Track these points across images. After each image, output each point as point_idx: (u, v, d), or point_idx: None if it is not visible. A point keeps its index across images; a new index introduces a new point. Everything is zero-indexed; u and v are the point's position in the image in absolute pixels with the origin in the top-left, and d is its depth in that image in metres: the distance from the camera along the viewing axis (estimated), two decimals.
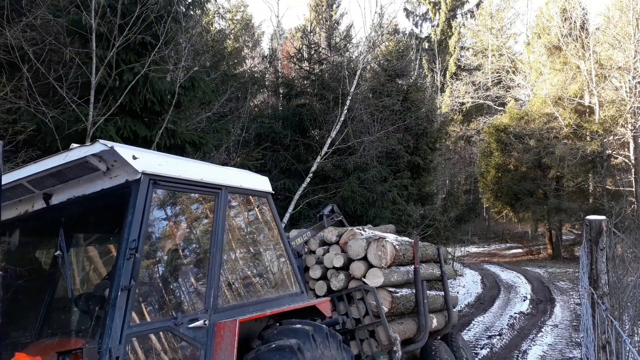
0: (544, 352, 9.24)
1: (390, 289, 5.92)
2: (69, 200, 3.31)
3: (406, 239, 6.73)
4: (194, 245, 3.65)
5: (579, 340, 9.39)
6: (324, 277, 6.21)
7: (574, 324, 11.30)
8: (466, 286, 17.43)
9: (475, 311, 13.43)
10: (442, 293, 6.97)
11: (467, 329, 11.38)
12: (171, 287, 3.38)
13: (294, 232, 6.89)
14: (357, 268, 5.90)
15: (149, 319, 3.08)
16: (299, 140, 12.58)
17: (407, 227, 13.78)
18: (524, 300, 14.55)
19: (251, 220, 4.34)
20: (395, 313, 5.92)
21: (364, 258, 5.95)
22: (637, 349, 5.76)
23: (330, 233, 6.62)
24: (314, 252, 6.54)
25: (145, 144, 7.11)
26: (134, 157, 3.01)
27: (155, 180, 3.14)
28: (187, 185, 3.46)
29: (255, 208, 4.33)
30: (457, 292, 16.21)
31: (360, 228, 6.78)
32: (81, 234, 3.82)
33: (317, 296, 6.09)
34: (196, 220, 3.72)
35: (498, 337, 10.37)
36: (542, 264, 23.62)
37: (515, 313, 12.70)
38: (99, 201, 3.23)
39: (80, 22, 6.55)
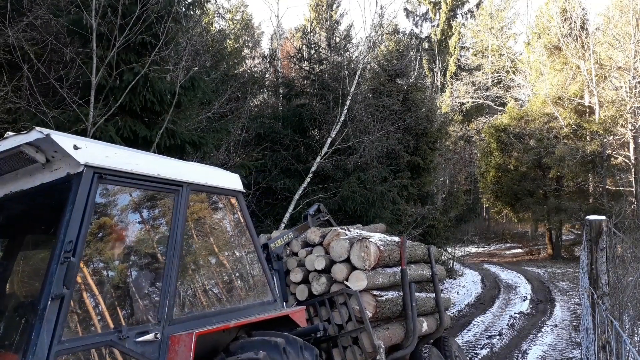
0: (544, 352, 9.25)
1: (375, 293, 5.57)
2: (6, 197, 2.96)
3: (395, 238, 6.42)
4: (146, 249, 3.23)
5: (579, 340, 9.39)
6: (305, 281, 5.89)
7: (574, 324, 11.31)
8: (466, 286, 17.44)
9: (475, 311, 13.43)
10: (433, 295, 6.62)
11: (467, 328, 11.38)
12: (117, 295, 2.98)
13: (276, 233, 6.63)
14: (339, 271, 5.58)
15: (86, 333, 2.69)
16: (299, 140, 12.58)
17: (407, 227, 13.78)
18: (524, 300, 14.55)
19: (217, 221, 3.95)
20: (380, 318, 5.63)
21: (347, 260, 5.65)
22: (637, 349, 5.76)
23: (313, 234, 6.31)
24: (296, 254, 6.24)
25: (146, 144, 7.12)
26: (75, 147, 2.70)
27: (102, 174, 2.81)
28: (140, 180, 3.11)
29: (223, 208, 3.98)
30: (457, 292, 16.25)
31: (345, 228, 6.48)
32: (19, 235, 3.48)
33: (298, 301, 5.80)
34: (151, 220, 3.33)
35: (498, 337, 10.38)
36: (542, 264, 23.62)
37: (515, 313, 12.70)
38: (38, 197, 2.90)
39: (81, 22, 6.55)
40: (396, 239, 6.33)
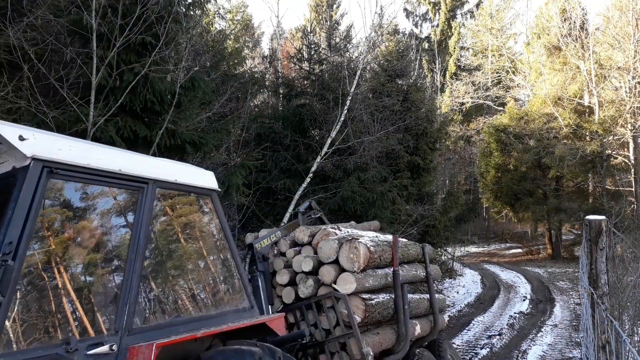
0: (544, 352, 9.26)
1: (364, 296, 5.32)
2: None
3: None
4: (104, 252, 2.95)
5: (578, 340, 9.40)
6: (292, 283, 5.63)
7: (574, 323, 11.32)
8: (466, 286, 17.45)
9: (475, 311, 13.44)
10: (427, 296, 6.42)
11: (467, 328, 11.39)
12: (67, 303, 2.65)
13: (263, 232, 6.27)
14: (326, 273, 5.30)
15: (27, 346, 2.40)
16: (299, 140, 12.58)
17: (407, 227, 13.79)
18: (524, 300, 14.56)
19: (188, 222, 3.64)
20: (370, 322, 5.39)
21: (336, 261, 5.37)
22: (637, 349, 5.77)
23: (302, 233, 5.99)
24: (284, 255, 5.95)
25: (146, 144, 7.12)
26: (21, 138, 2.47)
27: (52, 168, 2.57)
28: (99, 176, 2.85)
29: (196, 208, 3.71)
30: (457, 292, 16.26)
31: (336, 227, 6.19)
32: None
33: (284, 304, 5.53)
34: (110, 220, 3.03)
35: (498, 337, 10.39)
36: (542, 263, 23.64)
37: (515, 313, 12.72)
38: None
39: (81, 22, 6.55)
40: (390, 237, 6.10)
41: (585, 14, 25.53)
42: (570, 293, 15.47)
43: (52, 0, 6.94)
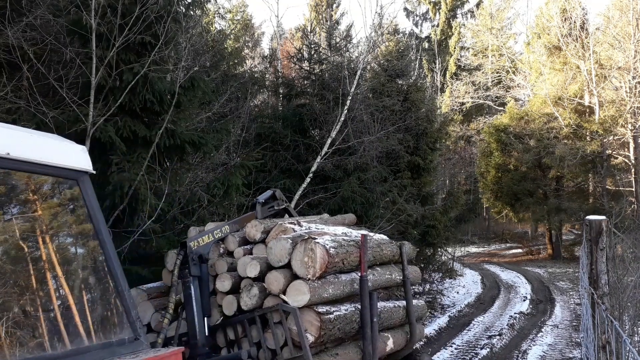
0: (544, 352, 9.25)
1: (321, 309, 4.38)
2: None
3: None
4: None
5: (579, 340, 9.39)
6: (236, 290, 4.67)
7: (574, 324, 11.31)
8: (466, 286, 17.45)
9: (475, 311, 13.44)
10: (404, 303, 5.51)
11: (467, 328, 11.39)
12: None
13: (210, 226, 5.36)
14: (274, 280, 4.36)
15: None
16: (299, 140, 12.57)
17: (407, 227, 13.79)
18: (524, 300, 14.56)
19: (41, 215, 2.51)
20: (328, 340, 4.49)
21: (288, 265, 4.47)
22: (637, 349, 5.77)
23: (253, 228, 5.08)
24: (232, 254, 5.06)
25: (145, 144, 7.11)
26: None
27: None
28: None
29: (53, 195, 2.67)
30: (457, 292, 16.25)
31: (296, 221, 5.30)
32: None
33: (225, 316, 4.63)
34: None
35: (498, 337, 10.38)
36: (542, 264, 23.64)
37: (515, 313, 12.71)
38: None
39: (80, 22, 6.55)
40: (368, 233, 5.40)
41: (586, 14, 25.54)
42: (571, 293, 15.46)
43: (51, 0, 6.94)
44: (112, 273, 2.70)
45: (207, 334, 4.46)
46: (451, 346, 9.92)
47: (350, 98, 12.37)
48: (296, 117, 12.93)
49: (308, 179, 11.64)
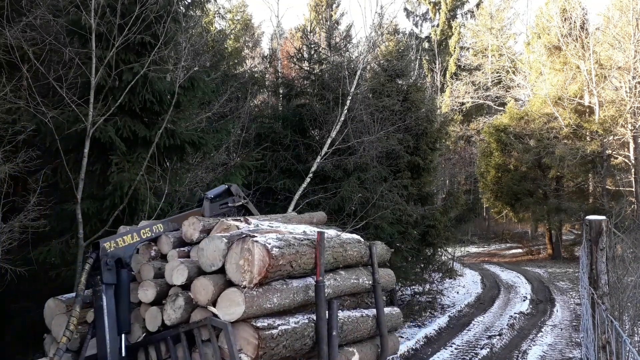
0: (544, 352, 9.25)
1: (260, 323, 3.63)
2: None
3: (333, 231, 4.72)
4: None
5: (579, 340, 9.39)
6: (161, 301, 3.92)
7: (574, 324, 11.31)
8: (466, 286, 17.45)
9: (475, 311, 13.44)
10: (374, 312, 4.72)
11: (467, 329, 11.39)
12: None
13: (144, 223, 4.65)
14: (201, 288, 3.63)
15: None
16: (299, 140, 12.57)
17: (407, 227, 13.78)
18: (524, 300, 14.56)
19: None
20: None
21: (222, 270, 3.74)
22: (637, 349, 5.76)
23: (190, 227, 4.35)
24: (165, 257, 4.35)
25: (145, 144, 7.11)
26: None
27: None
28: None
29: None
30: (457, 292, 16.25)
31: (243, 219, 4.56)
32: None
33: (148, 332, 3.90)
34: None
35: (498, 337, 10.38)
36: (542, 264, 23.65)
37: (515, 313, 12.71)
38: None
39: (80, 22, 6.55)
40: (334, 232, 4.79)
41: (586, 14, 25.55)
42: (571, 293, 15.46)
43: (51, 0, 6.94)
44: None
45: (123, 354, 3.79)
46: (451, 346, 9.92)
47: (350, 98, 12.36)
48: (296, 117, 12.93)
49: (308, 179, 11.64)
